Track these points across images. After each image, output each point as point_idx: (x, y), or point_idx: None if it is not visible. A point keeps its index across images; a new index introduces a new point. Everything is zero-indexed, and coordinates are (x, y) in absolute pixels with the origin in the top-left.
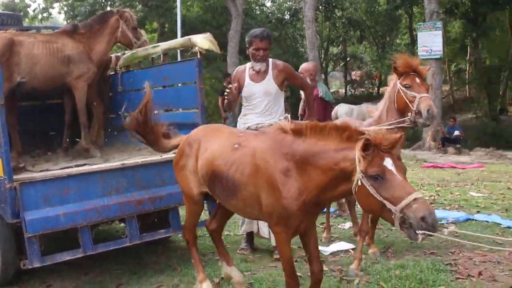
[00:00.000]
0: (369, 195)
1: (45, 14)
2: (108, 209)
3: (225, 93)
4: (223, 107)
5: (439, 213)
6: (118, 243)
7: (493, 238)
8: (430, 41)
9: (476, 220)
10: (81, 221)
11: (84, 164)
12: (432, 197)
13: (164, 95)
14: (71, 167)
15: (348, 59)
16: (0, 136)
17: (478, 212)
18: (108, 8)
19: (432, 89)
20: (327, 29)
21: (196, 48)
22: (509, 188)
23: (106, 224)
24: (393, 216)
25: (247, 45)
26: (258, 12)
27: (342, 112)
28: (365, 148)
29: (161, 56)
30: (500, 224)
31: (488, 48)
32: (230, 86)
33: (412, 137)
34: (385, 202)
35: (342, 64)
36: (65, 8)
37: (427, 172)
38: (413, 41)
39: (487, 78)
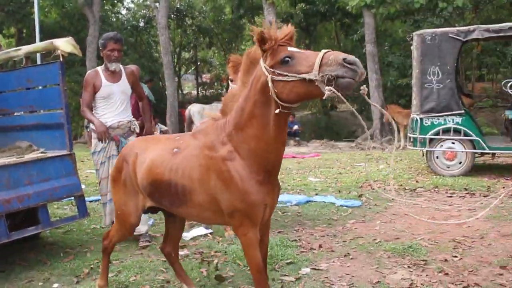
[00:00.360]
0: (287, 83)
1: None
2: None
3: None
4: None
5: (283, 197)
6: None
7: (329, 216)
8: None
9: (315, 201)
10: None
11: None
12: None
13: (28, 96)
14: None
15: (198, 63)
16: None
17: (316, 194)
18: None
19: None
20: (179, 36)
21: (59, 51)
22: (340, 173)
23: None
24: (316, 84)
25: (101, 48)
26: (114, 20)
27: (195, 111)
28: (262, 40)
29: (24, 59)
30: (335, 204)
31: None
32: None
33: None
34: (303, 75)
35: (193, 68)
36: None
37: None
38: None
39: None
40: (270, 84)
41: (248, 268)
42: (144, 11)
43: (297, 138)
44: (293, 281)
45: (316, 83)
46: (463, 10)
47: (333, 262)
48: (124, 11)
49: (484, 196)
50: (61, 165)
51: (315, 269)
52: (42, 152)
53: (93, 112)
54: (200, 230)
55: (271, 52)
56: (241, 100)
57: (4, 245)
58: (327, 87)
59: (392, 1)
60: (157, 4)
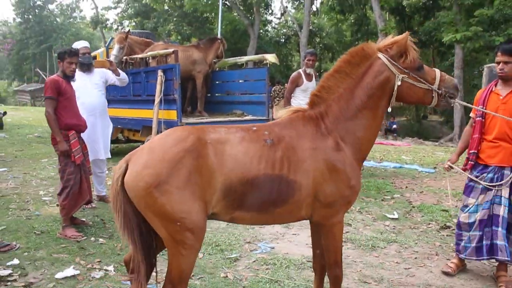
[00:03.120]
0: (413, 85)
1: (120, 26)
2: None
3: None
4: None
5: (385, 163)
6: None
7: (413, 174)
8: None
9: (405, 167)
10: None
11: (203, 118)
12: (381, 157)
13: (244, 85)
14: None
15: (322, 70)
16: (177, 98)
17: (406, 163)
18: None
19: None
20: None
21: (267, 61)
22: (424, 156)
23: None
24: (433, 94)
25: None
26: (266, 37)
27: None
28: (405, 45)
29: (245, 63)
30: (417, 169)
31: None
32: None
33: None
34: (430, 86)
35: (319, 75)
36: (134, 23)
37: (377, 146)
38: None
39: None
40: (398, 82)
41: None
42: (285, 30)
43: (394, 134)
44: (388, 198)
45: (433, 94)
46: None
47: (411, 194)
48: (270, 29)
49: None
50: None
51: (402, 195)
52: (251, 116)
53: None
54: None
55: (406, 57)
56: (347, 92)
57: None
58: (452, 100)
59: (477, 39)
60: (297, 26)
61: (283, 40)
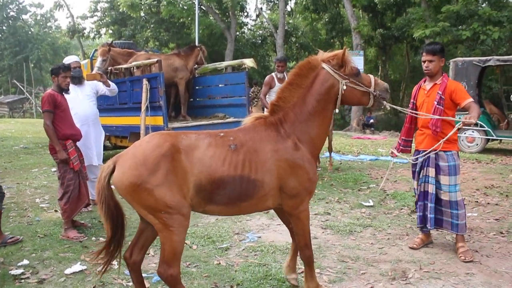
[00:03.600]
0: (353, 89)
1: (97, 35)
2: None
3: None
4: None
5: (362, 156)
6: None
7: (388, 165)
8: (356, 62)
9: (380, 159)
10: None
11: (187, 122)
12: (358, 151)
13: (225, 89)
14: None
15: None
16: (163, 104)
17: (382, 155)
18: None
19: None
20: (285, 50)
21: (245, 65)
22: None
23: None
24: (370, 96)
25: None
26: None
27: None
28: (344, 57)
29: (224, 69)
30: (392, 161)
31: (392, 67)
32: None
33: (343, 124)
34: (367, 89)
35: None
36: (111, 31)
37: (354, 141)
38: None
39: (392, 88)
40: (344, 87)
41: None
42: (261, 31)
43: (372, 128)
44: (364, 188)
45: (370, 96)
46: (502, 40)
47: (386, 183)
48: (246, 31)
49: (486, 163)
50: None
51: (377, 185)
52: (233, 118)
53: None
54: None
55: (346, 66)
56: (300, 100)
57: None
58: (384, 102)
59: (446, 34)
60: (273, 27)
61: (260, 41)
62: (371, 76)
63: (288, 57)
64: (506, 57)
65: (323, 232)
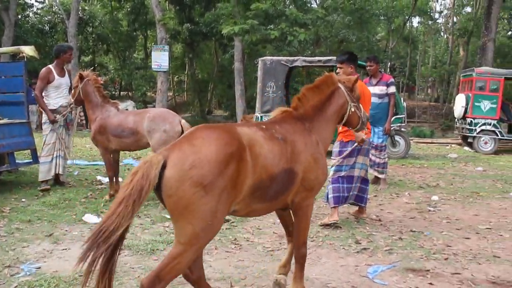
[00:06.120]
0: (355, 113)
1: None
2: None
3: None
4: None
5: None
6: None
7: None
8: (160, 58)
9: None
10: None
11: None
12: None
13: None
14: None
15: (96, 65)
16: None
17: None
18: None
19: (161, 93)
20: (80, 41)
21: (23, 54)
22: None
23: None
24: (360, 122)
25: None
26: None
27: None
28: (356, 81)
29: None
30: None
31: (200, 66)
32: None
33: None
34: (362, 114)
35: (91, 69)
36: None
37: None
38: (147, 56)
39: (199, 88)
40: (350, 108)
41: None
42: (50, 17)
43: None
44: None
45: (360, 120)
46: (307, 43)
47: None
48: (31, 15)
49: None
50: (22, 128)
51: None
52: (8, 119)
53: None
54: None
55: (354, 91)
56: (319, 104)
57: None
58: (362, 126)
59: (254, 32)
60: (64, 13)
61: (48, 28)
62: (360, 105)
63: (83, 50)
64: (311, 58)
65: (119, 254)
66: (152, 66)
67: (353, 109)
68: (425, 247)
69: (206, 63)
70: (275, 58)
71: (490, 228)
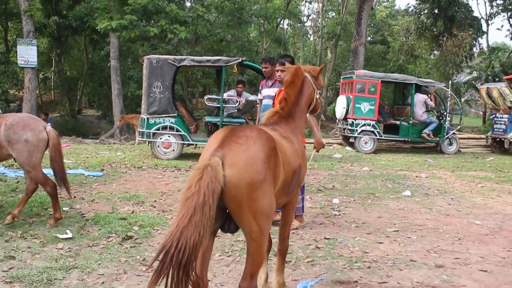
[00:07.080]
0: (318, 100)
1: None
2: None
3: None
4: None
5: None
6: None
7: (81, 181)
8: (27, 53)
9: (68, 173)
10: None
11: None
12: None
13: None
14: None
15: None
16: None
17: (70, 168)
18: None
19: (29, 91)
20: None
21: None
22: (87, 157)
23: None
24: (320, 107)
25: None
26: None
27: None
28: (318, 74)
29: None
30: (84, 174)
31: (69, 62)
32: None
33: None
34: (321, 101)
35: None
36: None
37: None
38: (8, 50)
39: (68, 86)
40: (315, 96)
41: None
42: None
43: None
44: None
45: (320, 105)
46: (188, 41)
47: (82, 204)
48: None
49: (186, 171)
50: None
51: (71, 207)
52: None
53: None
54: None
55: (318, 80)
56: (296, 99)
57: None
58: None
59: (133, 28)
60: None
61: None
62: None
63: None
64: (200, 58)
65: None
66: (19, 62)
67: (317, 96)
68: (344, 255)
69: (75, 59)
70: (162, 56)
71: (397, 231)
